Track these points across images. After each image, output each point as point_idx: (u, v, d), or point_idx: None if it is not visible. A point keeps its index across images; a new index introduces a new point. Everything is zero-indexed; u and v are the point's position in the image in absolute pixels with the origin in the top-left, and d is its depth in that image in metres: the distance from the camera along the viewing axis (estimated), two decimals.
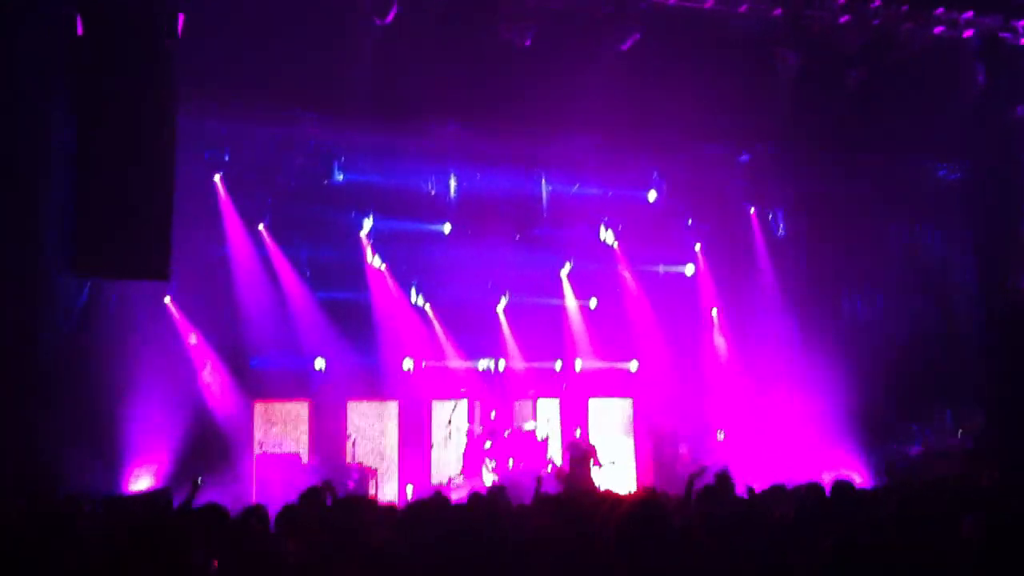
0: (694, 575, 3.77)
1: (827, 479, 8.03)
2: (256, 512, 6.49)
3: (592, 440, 14.83)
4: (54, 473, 11.19)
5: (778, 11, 11.82)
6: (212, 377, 14.21)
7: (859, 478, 13.90)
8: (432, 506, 5.82)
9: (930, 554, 3.81)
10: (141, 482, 12.82)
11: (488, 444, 14.77)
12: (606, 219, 16.84)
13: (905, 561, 3.57)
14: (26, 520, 5.95)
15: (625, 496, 7.08)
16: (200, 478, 8.41)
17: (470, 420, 15.75)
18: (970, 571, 3.77)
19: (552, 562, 4.28)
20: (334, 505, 6.66)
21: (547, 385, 16.57)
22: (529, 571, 4.20)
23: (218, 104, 12.94)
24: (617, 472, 15.18)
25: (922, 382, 15.29)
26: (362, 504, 6.34)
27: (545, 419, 16.11)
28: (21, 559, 3.78)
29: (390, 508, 7.23)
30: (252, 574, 4.77)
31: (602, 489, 11.02)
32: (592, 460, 13.80)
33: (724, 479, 7.36)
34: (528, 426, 15.63)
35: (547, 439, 15.45)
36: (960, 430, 15.11)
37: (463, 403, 15.88)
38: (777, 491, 7.54)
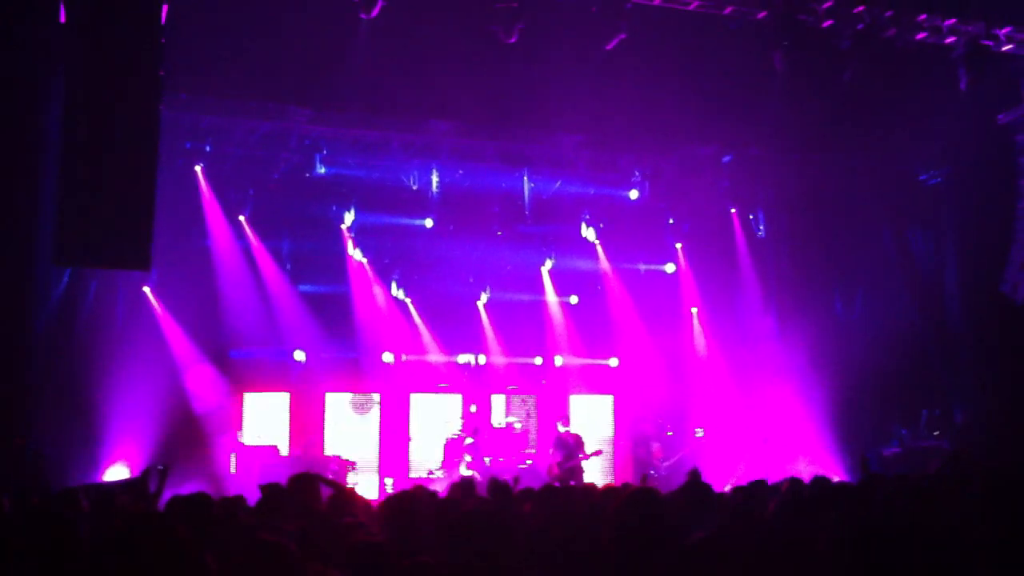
0: (691, 568, 3.82)
1: (804, 475, 8.15)
2: (237, 502, 6.50)
3: (576, 432, 14.86)
4: (40, 463, 11.13)
5: (763, 13, 11.86)
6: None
7: (835, 476, 14.03)
8: (418, 499, 5.84)
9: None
10: (118, 471, 12.76)
11: (469, 440, 14.77)
12: (587, 216, 16.90)
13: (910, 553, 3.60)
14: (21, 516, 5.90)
15: (618, 489, 7.14)
16: (163, 466, 8.24)
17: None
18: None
19: (549, 555, 4.32)
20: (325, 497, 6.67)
21: (527, 380, 16.63)
22: (527, 565, 4.23)
23: (203, 96, 12.91)
24: (599, 465, 15.26)
25: (904, 383, 15.35)
26: (350, 497, 6.35)
27: (523, 414, 16.16)
28: (16, 556, 3.74)
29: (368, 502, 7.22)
30: (240, 563, 4.76)
31: (587, 483, 11.11)
32: (580, 451, 13.82)
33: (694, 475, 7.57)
34: (507, 420, 15.64)
35: (525, 433, 15.46)
36: (936, 431, 15.25)
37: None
38: (759, 486, 7.64)
